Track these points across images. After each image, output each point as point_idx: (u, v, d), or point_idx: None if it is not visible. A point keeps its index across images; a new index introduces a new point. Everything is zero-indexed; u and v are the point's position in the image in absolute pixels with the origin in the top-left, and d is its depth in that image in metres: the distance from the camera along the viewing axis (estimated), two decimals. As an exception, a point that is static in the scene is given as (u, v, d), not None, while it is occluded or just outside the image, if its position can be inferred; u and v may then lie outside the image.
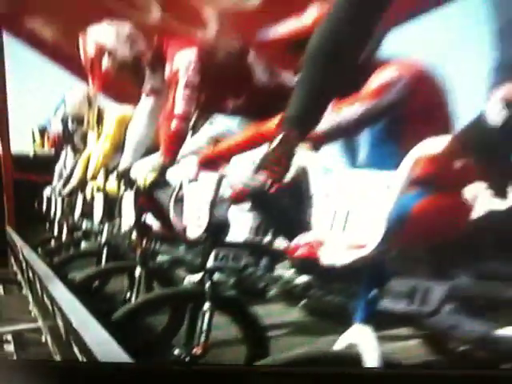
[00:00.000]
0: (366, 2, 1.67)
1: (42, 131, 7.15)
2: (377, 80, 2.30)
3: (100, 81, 3.47)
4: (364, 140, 2.42)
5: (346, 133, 2.31)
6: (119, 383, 1.50)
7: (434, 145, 1.29)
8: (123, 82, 3.58)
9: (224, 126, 4.00)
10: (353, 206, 1.44)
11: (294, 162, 1.66)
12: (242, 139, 2.72)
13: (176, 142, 3.09)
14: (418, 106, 2.28)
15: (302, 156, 1.68)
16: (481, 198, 1.88)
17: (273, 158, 1.69)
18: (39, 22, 6.83)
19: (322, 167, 1.64)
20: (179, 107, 3.11)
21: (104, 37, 3.45)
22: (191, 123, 3.30)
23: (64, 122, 5.41)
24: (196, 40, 3.35)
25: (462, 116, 2.35)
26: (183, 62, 3.16)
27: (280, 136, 1.68)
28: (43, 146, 7.16)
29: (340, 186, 1.50)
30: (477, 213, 2.11)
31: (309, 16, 2.48)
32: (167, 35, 3.41)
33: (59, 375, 1.53)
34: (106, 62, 3.41)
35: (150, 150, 3.74)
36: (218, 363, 2.17)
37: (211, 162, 2.71)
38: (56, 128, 5.69)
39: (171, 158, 3.01)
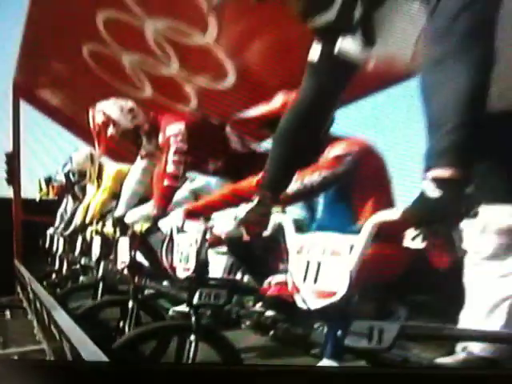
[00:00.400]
0: (327, 92, 1.69)
1: (48, 181, 7.09)
2: (331, 153, 2.31)
3: (105, 145, 3.50)
4: (321, 201, 2.42)
5: (307, 196, 2.31)
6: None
7: (390, 214, 1.25)
8: (121, 146, 3.55)
9: (202, 182, 4.01)
10: (323, 259, 1.40)
11: (271, 220, 1.66)
12: (221, 197, 2.72)
13: (167, 197, 3.13)
14: (364, 175, 2.29)
15: (278, 215, 1.67)
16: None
17: (252, 216, 1.69)
18: (51, 94, 6.80)
19: (294, 225, 1.61)
20: (170, 168, 3.18)
21: (110, 110, 3.50)
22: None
23: (69, 175, 5.36)
24: (184, 115, 3.42)
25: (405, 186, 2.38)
26: (174, 132, 3.25)
27: (257, 198, 1.70)
28: (48, 193, 7.09)
29: (312, 243, 1.47)
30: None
31: (277, 101, 2.51)
32: (161, 111, 3.48)
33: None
34: (110, 130, 3.43)
35: (142, 200, 3.75)
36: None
37: (194, 215, 2.70)
38: (62, 180, 5.62)
39: (163, 210, 3.01)
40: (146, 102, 3.68)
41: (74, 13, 4.60)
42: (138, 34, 4.40)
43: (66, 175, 5.48)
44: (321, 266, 1.41)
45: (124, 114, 3.47)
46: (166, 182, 3.15)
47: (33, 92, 6.90)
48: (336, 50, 1.58)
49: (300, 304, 1.42)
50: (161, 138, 3.31)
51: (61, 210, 6.53)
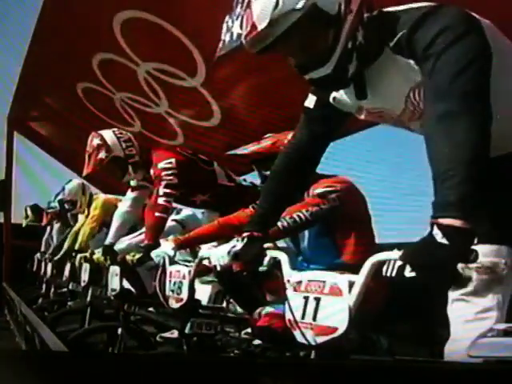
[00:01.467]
0: (320, 136, 1.68)
1: (35, 209, 6.95)
2: (316, 191, 2.27)
3: (92, 167, 3.37)
4: (305, 236, 2.37)
5: (294, 232, 2.27)
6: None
7: (390, 255, 1.21)
8: (107, 171, 3.45)
9: (188, 213, 3.95)
10: (322, 296, 1.33)
11: (266, 254, 1.60)
12: (210, 230, 2.65)
13: (158, 227, 3.02)
14: (346, 212, 2.26)
15: (274, 251, 1.60)
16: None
17: (246, 255, 1.65)
18: (44, 128, 6.70)
19: (290, 261, 1.54)
20: (161, 200, 3.09)
21: (108, 136, 3.41)
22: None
23: (62, 203, 5.21)
24: (174, 151, 3.36)
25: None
26: (165, 166, 3.17)
27: (247, 235, 1.66)
28: (35, 220, 6.92)
29: (309, 279, 1.40)
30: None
31: (267, 141, 2.48)
32: (154, 146, 3.39)
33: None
34: (102, 154, 3.34)
35: (131, 230, 3.65)
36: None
37: (185, 246, 2.63)
38: (56, 207, 5.49)
39: (154, 241, 2.91)
40: (135, 137, 3.59)
41: (71, 53, 4.55)
42: (130, 74, 4.36)
43: (60, 203, 5.36)
44: (320, 302, 1.33)
45: (119, 142, 3.38)
46: (156, 214, 3.05)
47: (27, 125, 6.79)
48: (331, 99, 1.57)
49: (300, 339, 1.34)
50: (152, 171, 3.22)
51: (46, 236, 6.38)
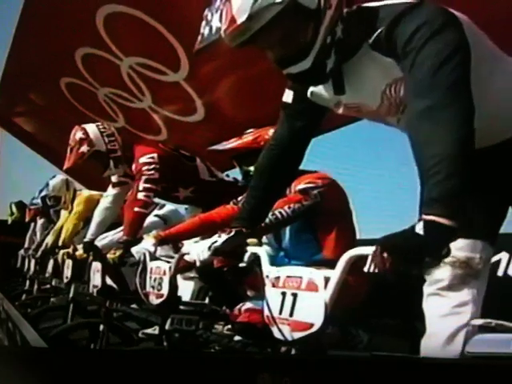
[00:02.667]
0: (301, 131, 1.68)
1: (20, 205, 6.89)
2: (298, 187, 2.26)
3: (73, 160, 3.36)
4: (287, 231, 2.36)
5: (277, 228, 2.27)
6: None
7: (365, 250, 1.20)
8: (88, 165, 3.44)
9: (171, 209, 3.93)
10: (299, 292, 1.32)
11: (247, 250, 1.59)
12: (192, 225, 2.67)
13: (137, 223, 3.00)
14: (328, 207, 2.26)
15: (254, 247, 1.59)
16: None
17: (227, 247, 1.64)
18: (29, 123, 6.62)
19: (269, 257, 1.54)
20: (141, 195, 3.06)
21: (91, 129, 3.39)
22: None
23: (45, 200, 5.21)
24: (157, 146, 3.35)
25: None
26: (146, 161, 3.14)
27: (234, 230, 1.66)
28: (20, 217, 6.87)
29: (287, 275, 1.39)
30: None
31: (249, 136, 2.48)
32: (136, 141, 3.36)
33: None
34: (83, 147, 3.32)
35: (113, 226, 3.65)
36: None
37: (166, 242, 2.61)
38: (38, 203, 5.44)
39: (132, 236, 2.88)
40: (119, 132, 3.55)
41: (53, 49, 4.49)
42: (113, 69, 4.32)
43: (43, 199, 5.30)
44: (297, 298, 1.33)
45: (102, 136, 3.35)
46: (136, 209, 3.01)
47: (11, 120, 6.71)
48: (309, 94, 1.56)
49: (277, 335, 1.33)
50: (133, 167, 3.19)
51: (30, 232, 6.33)
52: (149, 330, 2.75)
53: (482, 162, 1.41)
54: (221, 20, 1.34)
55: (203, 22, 1.36)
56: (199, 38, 1.37)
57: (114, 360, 1.39)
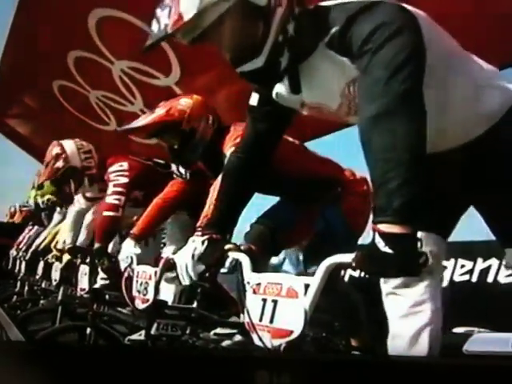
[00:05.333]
0: (268, 133, 1.65)
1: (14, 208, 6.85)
2: None
3: (47, 175, 3.38)
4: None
5: None
6: None
7: (343, 257, 1.18)
8: (62, 181, 3.49)
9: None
10: (279, 299, 1.32)
11: (228, 256, 1.58)
12: (155, 210, 2.74)
13: (106, 227, 2.97)
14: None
15: (235, 252, 1.58)
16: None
17: (207, 255, 1.62)
18: (22, 125, 6.60)
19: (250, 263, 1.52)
20: (110, 199, 3.04)
21: (68, 146, 3.39)
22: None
23: (38, 202, 5.16)
24: (127, 158, 3.29)
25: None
26: (115, 169, 3.14)
27: (206, 238, 1.64)
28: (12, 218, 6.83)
29: (268, 282, 1.38)
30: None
31: (161, 110, 2.44)
32: (110, 157, 3.35)
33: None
34: (59, 163, 3.31)
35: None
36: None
37: (143, 237, 2.67)
38: (31, 205, 5.43)
39: (104, 242, 2.87)
40: (110, 135, 3.56)
41: (46, 51, 4.48)
42: (105, 72, 4.32)
43: (36, 203, 5.26)
44: (277, 305, 1.32)
45: (78, 153, 3.34)
46: (104, 213, 2.98)
47: (4, 123, 6.69)
48: (274, 95, 1.52)
49: (257, 342, 1.32)
50: (105, 178, 3.18)
51: (23, 234, 6.28)
52: (135, 336, 2.73)
53: (444, 160, 1.42)
54: (169, 17, 1.30)
55: (153, 20, 1.33)
56: (150, 35, 1.35)
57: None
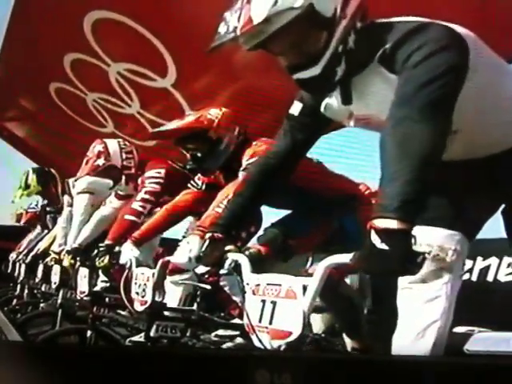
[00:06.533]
0: (302, 144, 1.69)
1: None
2: None
3: (86, 171, 3.35)
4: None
5: None
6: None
7: (342, 258, 1.20)
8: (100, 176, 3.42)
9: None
10: (278, 300, 1.31)
11: (228, 256, 1.58)
12: (161, 218, 2.75)
13: (124, 230, 2.94)
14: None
15: (235, 253, 1.58)
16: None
17: (207, 255, 1.64)
18: (18, 129, 6.59)
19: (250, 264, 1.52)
20: (136, 205, 3.04)
21: (111, 144, 3.39)
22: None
23: (45, 205, 5.22)
24: (166, 163, 3.29)
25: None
26: (151, 174, 3.15)
27: (208, 236, 1.66)
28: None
29: (267, 283, 1.37)
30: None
31: (190, 116, 2.50)
32: (150, 158, 3.36)
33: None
34: (99, 161, 3.30)
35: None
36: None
37: (143, 241, 2.65)
38: (34, 208, 5.41)
39: (115, 242, 2.86)
40: (107, 137, 3.55)
41: (42, 54, 4.48)
42: (101, 75, 4.31)
43: (43, 206, 5.34)
44: (276, 306, 1.32)
45: (120, 152, 3.35)
46: (126, 216, 2.99)
47: (2, 126, 6.68)
48: (322, 107, 1.55)
49: (256, 344, 1.32)
50: (139, 180, 3.20)
51: (28, 237, 6.26)
52: (135, 338, 2.73)
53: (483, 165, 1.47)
54: (239, 20, 1.35)
55: (222, 23, 1.37)
56: (216, 36, 1.38)
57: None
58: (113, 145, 3.39)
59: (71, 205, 4.19)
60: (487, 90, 1.37)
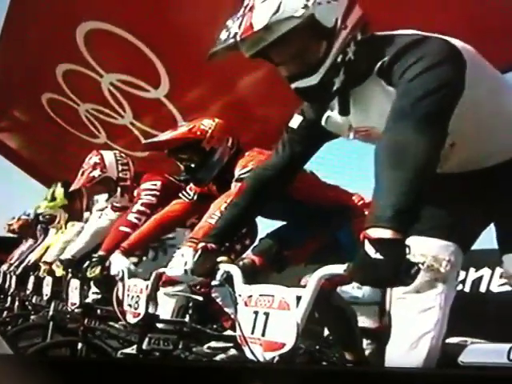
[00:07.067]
0: (300, 157, 1.70)
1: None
2: None
3: (82, 182, 3.34)
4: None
5: None
6: None
7: (335, 269, 1.19)
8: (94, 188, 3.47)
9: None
10: (271, 311, 1.30)
11: (220, 267, 1.58)
12: (150, 228, 2.72)
13: (118, 240, 2.90)
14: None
15: (226, 264, 1.58)
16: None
17: (199, 266, 1.64)
18: (11, 140, 6.57)
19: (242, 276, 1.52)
20: (132, 217, 3.02)
21: (107, 156, 3.38)
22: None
23: (39, 215, 5.21)
24: (163, 176, 3.27)
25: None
26: (147, 187, 3.14)
27: (201, 246, 1.65)
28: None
29: (260, 294, 1.37)
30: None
31: (183, 127, 2.48)
32: (146, 171, 3.35)
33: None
34: (95, 172, 3.30)
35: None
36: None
37: (131, 252, 2.64)
38: (27, 216, 5.38)
39: (109, 253, 2.84)
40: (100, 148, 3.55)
41: (35, 65, 4.48)
42: (94, 85, 4.31)
43: (36, 215, 5.30)
44: (269, 317, 1.31)
45: (116, 164, 3.35)
46: (121, 228, 2.97)
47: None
48: (323, 121, 1.57)
49: (249, 355, 1.31)
50: (135, 192, 3.20)
51: (22, 248, 6.21)
52: (127, 350, 2.71)
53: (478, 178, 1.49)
54: (240, 26, 1.35)
55: (223, 30, 1.37)
56: (216, 42, 1.38)
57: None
58: (109, 156, 3.39)
59: (86, 221, 4.16)
60: (484, 104, 1.38)
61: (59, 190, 5.00)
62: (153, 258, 3.38)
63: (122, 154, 3.50)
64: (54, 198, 5.01)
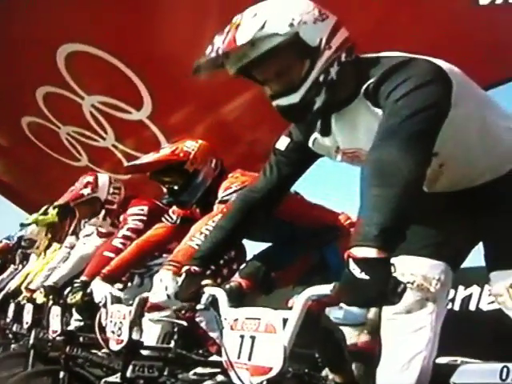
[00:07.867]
0: (287, 178, 1.70)
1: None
2: None
3: (68, 198, 3.37)
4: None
5: None
6: None
7: (322, 289, 1.18)
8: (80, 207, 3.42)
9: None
10: (257, 334, 1.29)
11: (205, 291, 1.56)
12: (131, 255, 2.69)
13: (102, 266, 2.86)
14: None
15: (211, 288, 1.56)
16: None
17: (183, 290, 1.63)
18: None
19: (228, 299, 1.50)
20: (117, 242, 2.99)
21: (101, 178, 3.41)
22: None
23: (20, 240, 5.25)
24: (150, 201, 3.27)
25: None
26: (134, 212, 3.14)
27: (184, 270, 1.64)
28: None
29: (245, 317, 1.35)
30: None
31: (166, 150, 2.47)
32: (135, 198, 3.33)
33: None
34: (85, 190, 3.33)
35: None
36: None
37: (112, 278, 2.60)
38: (11, 240, 5.33)
39: (92, 277, 2.80)
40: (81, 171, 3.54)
41: (14, 88, 4.46)
42: (75, 108, 4.30)
43: (19, 238, 5.31)
44: (255, 341, 1.29)
45: (108, 187, 3.36)
46: (105, 253, 2.93)
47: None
48: (310, 143, 1.57)
49: (235, 381, 1.29)
50: (122, 217, 3.18)
51: (3, 275, 6.12)
52: (111, 378, 2.65)
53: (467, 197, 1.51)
54: (223, 41, 1.35)
55: (209, 46, 1.38)
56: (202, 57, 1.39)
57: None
58: (103, 178, 3.41)
59: (72, 247, 4.11)
60: (471, 124, 1.40)
61: (54, 209, 5.00)
62: (138, 285, 3.35)
63: (117, 178, 3.53)
64: (45, 213, 4.99)
